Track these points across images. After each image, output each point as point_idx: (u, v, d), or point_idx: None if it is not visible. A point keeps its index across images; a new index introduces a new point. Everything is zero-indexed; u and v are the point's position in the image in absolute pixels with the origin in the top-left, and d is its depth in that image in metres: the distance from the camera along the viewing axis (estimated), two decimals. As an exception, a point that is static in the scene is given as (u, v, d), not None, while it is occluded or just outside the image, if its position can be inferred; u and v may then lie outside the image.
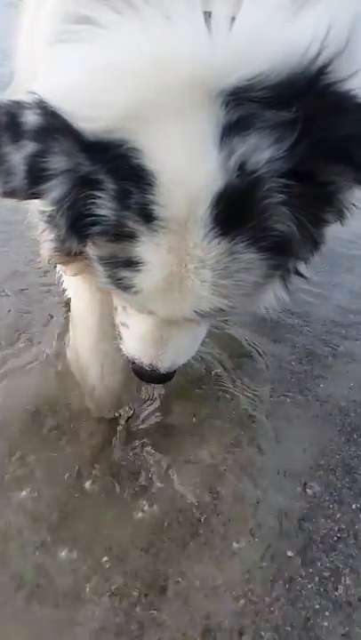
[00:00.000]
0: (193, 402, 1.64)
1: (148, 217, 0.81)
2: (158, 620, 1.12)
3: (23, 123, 0.80)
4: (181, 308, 0.92)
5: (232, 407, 1.65)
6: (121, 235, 0.84)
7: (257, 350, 1.89)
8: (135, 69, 0.75)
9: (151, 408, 1.61)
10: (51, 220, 0.93)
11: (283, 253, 0.89)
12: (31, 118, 0.79)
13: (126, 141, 0.78)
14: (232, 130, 0.76)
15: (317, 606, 1.18)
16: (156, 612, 1.13)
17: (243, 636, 1.11)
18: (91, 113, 0.77)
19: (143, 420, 1.57)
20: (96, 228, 0.86)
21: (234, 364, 1.81)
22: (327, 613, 1.17)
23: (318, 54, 0.74)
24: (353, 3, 0.81)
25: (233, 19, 0.76)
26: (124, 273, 0.89)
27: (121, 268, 0.89)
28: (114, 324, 1.19)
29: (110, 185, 0.81)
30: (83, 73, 0.79)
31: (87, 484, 1.39)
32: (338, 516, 1.38)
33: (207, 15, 0.75)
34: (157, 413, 1.60)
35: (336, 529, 1.35)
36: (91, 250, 0.93)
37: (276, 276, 0.98)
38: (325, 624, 1.15)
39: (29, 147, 0.80)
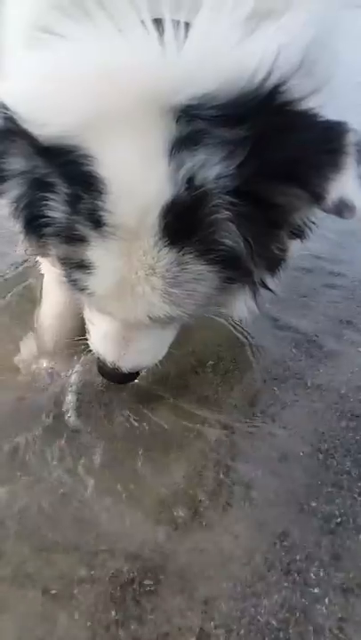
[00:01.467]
0: (189, 386, 1.64)
1: (97, 222, 0.82)
2: (156, 603, 1.12)
3: None
4: (134, 312, 0.93)
5: (229, 392, 1.64)
6: (72, 238, 0.86)
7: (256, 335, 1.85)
8: (88, 79, 0.76)
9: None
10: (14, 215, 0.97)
11: (233, 268, 0.89)
12: None
13: (79, 148, 0.79)
14: (182, 144, 0.77)
15: (315, 591, 1.16)
16: (154, 595, 1.13)
17: (241, 620, 1.10)
18: (45, 119, 0.79)
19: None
20: (49, 229, 0.88)
21: (231, 350, 1.78)
22: (326, 598, 1.14)
23: (269, 74, 0.73)
24: (312, 20, 0.80)
25: (186, 24, 0.76)
26: (78, 275, 0.91)
27: (75, 269, 0.91)
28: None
29: (63, 189, 0.83)
30: (39, 79, 0.80)
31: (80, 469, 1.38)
32: (338, 500, 1.35)
33: (159, 24, 0.76)
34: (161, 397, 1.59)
35: (336, 513, 1.32)
36: (51, 248, 0.96)
37: (234, 288, 0.98)
38: (324, 609, 1.13)
39: None
